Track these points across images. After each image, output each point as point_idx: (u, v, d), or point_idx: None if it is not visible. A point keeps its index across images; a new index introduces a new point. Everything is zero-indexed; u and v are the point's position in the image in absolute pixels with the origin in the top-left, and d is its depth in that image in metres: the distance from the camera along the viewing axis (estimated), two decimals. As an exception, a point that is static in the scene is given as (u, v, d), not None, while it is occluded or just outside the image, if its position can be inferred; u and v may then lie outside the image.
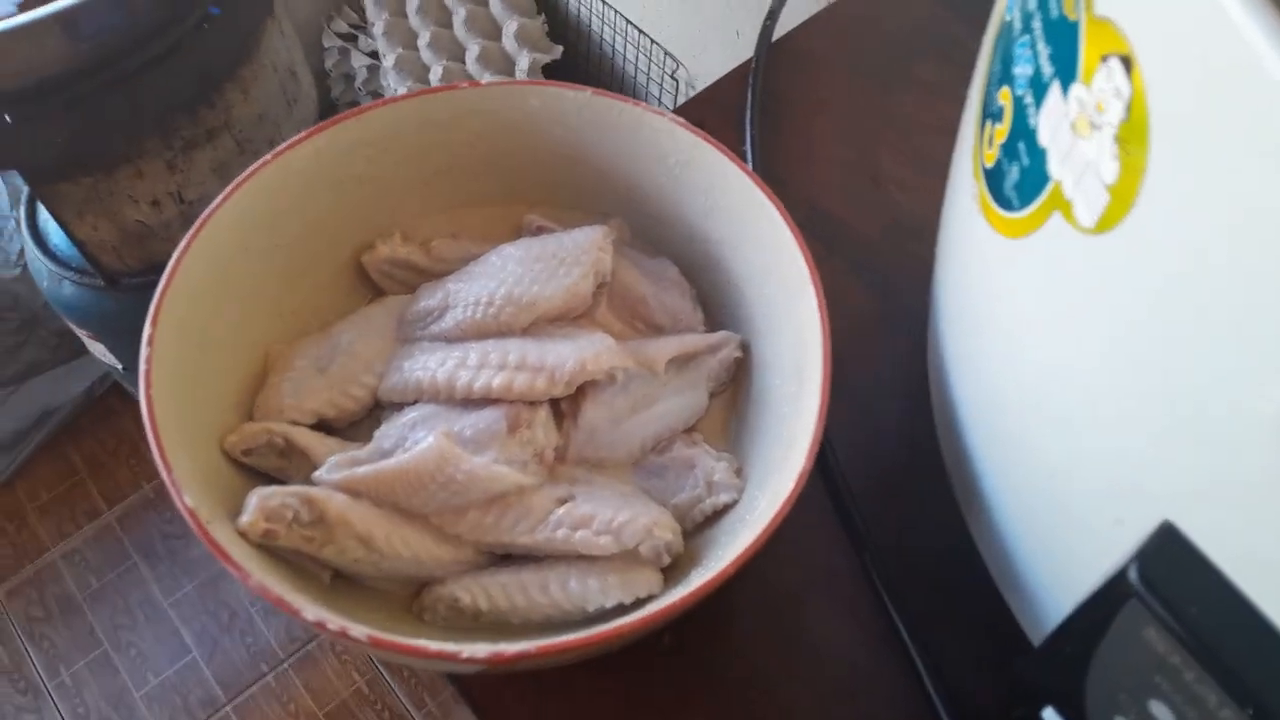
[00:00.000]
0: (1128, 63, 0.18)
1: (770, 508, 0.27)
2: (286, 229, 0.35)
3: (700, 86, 1.06)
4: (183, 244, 0.32)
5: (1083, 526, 0.23)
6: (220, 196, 0.32)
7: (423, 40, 1.19)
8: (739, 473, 0.32)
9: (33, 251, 0.80)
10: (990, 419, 0.28)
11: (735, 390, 0.35)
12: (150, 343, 0.29)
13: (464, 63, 1.18)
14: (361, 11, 1.29)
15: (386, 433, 0.32)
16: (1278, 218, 0.15)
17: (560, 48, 1.15)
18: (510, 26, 1.15)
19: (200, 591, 1.13)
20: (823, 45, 0.50)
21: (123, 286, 0.74)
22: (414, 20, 1.22)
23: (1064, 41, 0.20)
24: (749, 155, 0.45)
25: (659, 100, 1.12)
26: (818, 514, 0.36)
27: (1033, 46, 0.22)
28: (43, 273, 0.80)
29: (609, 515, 0.30)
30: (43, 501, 1.21)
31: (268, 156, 0.33)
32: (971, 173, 0.26)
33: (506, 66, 1.15)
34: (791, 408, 0.31)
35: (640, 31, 1.08)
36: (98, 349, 0.86)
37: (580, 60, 1.18)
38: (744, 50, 0.96)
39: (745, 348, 0.35)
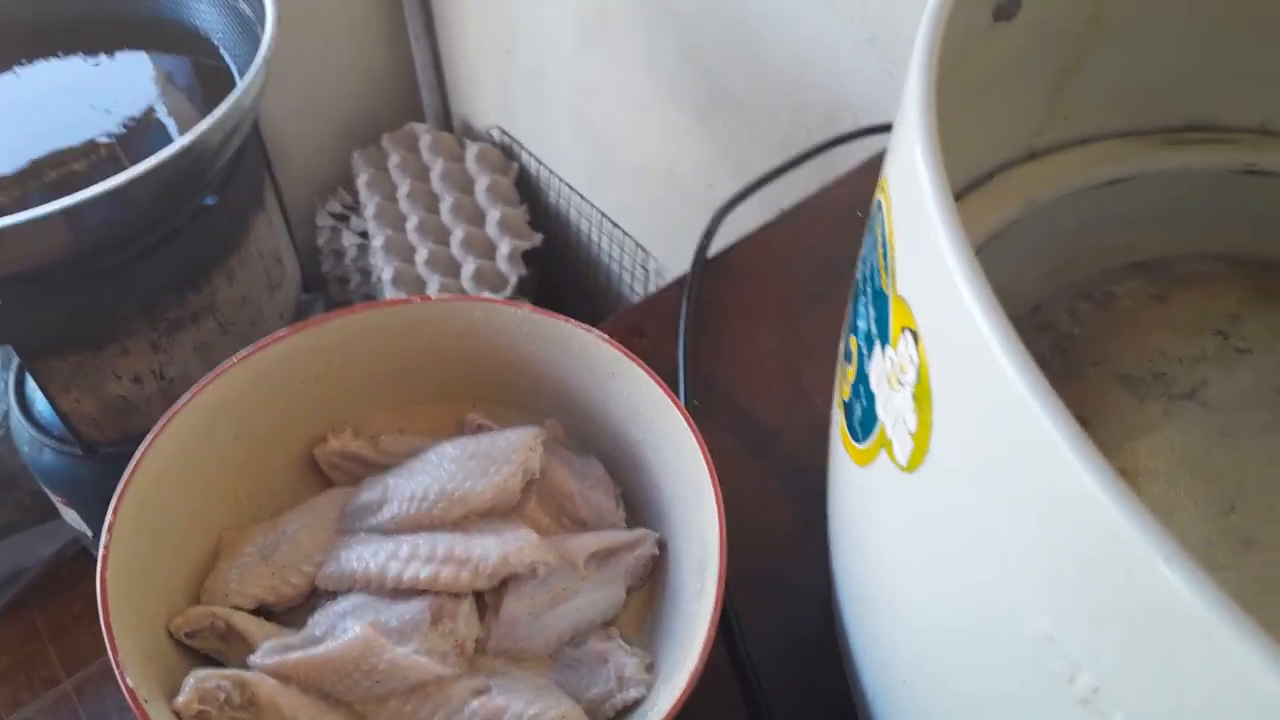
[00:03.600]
0: (915, 336, 0.22)
1: (666, 703, 0.30)
2: (250, 421, 0.38)
3: (669, 275, 1.13)
4: (149, 436, 0.35)
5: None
6: (190, 392, 0.36)
7: (411, 224, 1.27)
8: (650, 668, 0.35)
9: (16, 416, 0.83)
10: (864, 627, 0.31)
11: (652, 586, 0.38)
12: (110, 529, 0.32)
13: (449, 246, 1.25)
14: (355, 194, 1.37)
15: (319, 620, 0.34)
16: (1025, 475, 0.19)
17: (540, 235, 1.23)
18: (494, 215, 1.23)
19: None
20: (756, 261, 0.55)
21: (99, 455, 0.77)
22: (403, 204, 1.30)
23: (881, 308, 0.24)
24: (682, 359, 0.49)
25: (630, 286, 1.19)
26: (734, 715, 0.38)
27: (867, 306, 0.26)
28: (24, 437, 0.83)
29: (520, 708, 0.32)
30: (2, 666, 1.19)
31: (234, 357, 0.37)
32: (836, 403, 0.30)
33: (488, 251, 1.23)
34: (696, 606, 0.33)
35: (614, 224, 1.16)
36: (70, 515, 0.88)
37: (559, 247, 1.25)
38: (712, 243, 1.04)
39: (662, 545, 0.38)
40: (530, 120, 1.24)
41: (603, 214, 1.17)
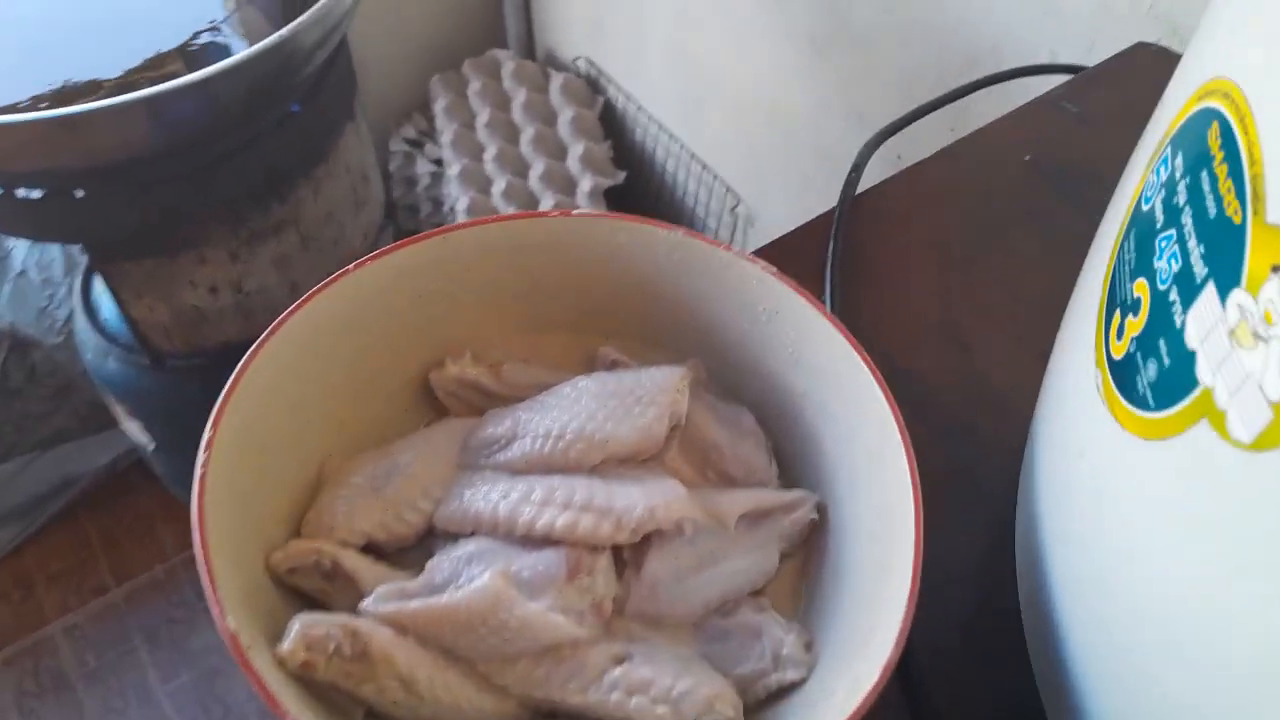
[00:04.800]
0: (1309, 277, 0.17)
1: (850, 698, 0.25)
2: (357, 340, 0.34)
3: (758, 224, 1.07)
4: (253, 348, 0.31)
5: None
6: (296, 303, 0.32)
7: (489, 154, 1.22)
8: (809, 647, 0.30)
9: (82, 322, 0.80)
10: (1094, 622, 0.26)
11: (807, 555, 0.33)
12: (209, 446, 0.28)
13: (527, 180, 1.20)
14: (431, 120, 1.32)
15: (439, 565, 0.30)
16: None
17: (624, 173, 1.17)
18: (576, 149, 1.18)
19: (197, 683, 1.09)
20: (905, 204, 0.50)
21: (168, 367, 0.74)
22: (481, 134, 1.25)
23: (1224, 243, 0.19)
24: (829, 307, 0.44)
25: (715, 233, 1.13)
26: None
27: (1181, 242, 0.21)
28: (89, 345, 0.80)
29: (668, 682, 0.28)
30: (52, 571, 1.19)
31: (350, 266, 0.33)
32: (1093, 360, 0.25)
33: (568, 187, 1.18)
34: (873, 587, 0.29)
35: (703, 166, 1.10)
36: (132, 426, 0.85)
37: (642, 187, 1.20)
38: (806, 194, 0.98)
39: (821, 510, 0.33)
40: (621, 51, 1.18)
41: (692, 154, 1.11)
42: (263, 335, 0.31)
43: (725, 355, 0.36)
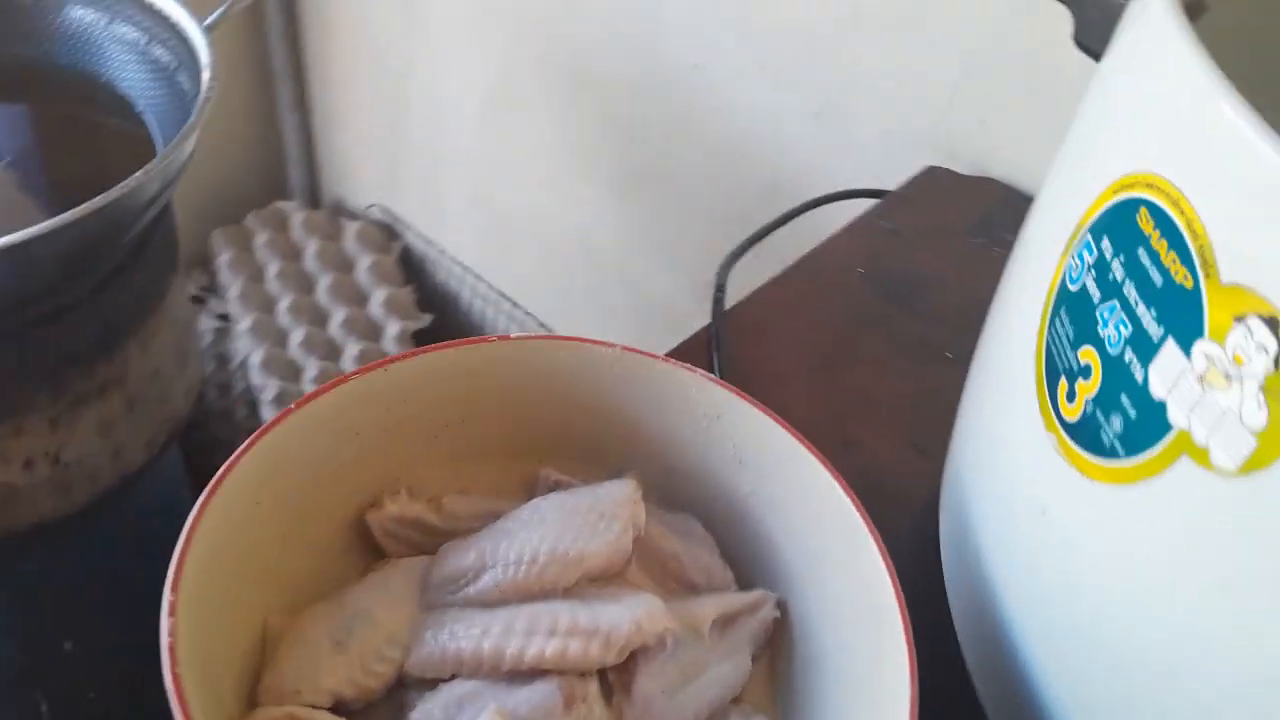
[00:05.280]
0: (1273, 321, 0.20)
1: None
2: (291, 485, 0.32)
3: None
4: (200, 500, 0.28)
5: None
6: (241, 448, 0.30)
7: (282, 305, 1.18)
8: (806, 744, 0.31)
9: None
10: (1079, 675, 0.28)
11: (774, 653, 0.34)
12: (173, 612, 0.25)
13: (326, 329, 1.17)
14: (214, 275, 1.26)
15: (430, 714, 0.28)
16: None
17: (430, 316, 1.16)
18: (378, 295, 1.16)
19: None
20: (766, 318, 0.53)
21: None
22: (272, 285, 1.21)
23: (1178, 306, 0.23)
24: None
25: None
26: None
27: (1128, 310, 0.24)
28: None
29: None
30: None
31: (292, 406, 0.31)
32: (1041, 425, 0.28)
33: (373, 333, 1.15)
34: (868, 669, 0.30)
35: (513, 303, 1.12)
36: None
37: (450, 327, 1.20)
38: (613, 324, 1.01)
39: (782, 606, 0.34)
40: (418, 198, 1.19)
41: (500, 293, 1.13)
42: (208, 488, 0.29)
43: (667, 464, 0.37)
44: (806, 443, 0.33)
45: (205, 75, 0.57)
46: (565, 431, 0.37)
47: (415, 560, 0.33)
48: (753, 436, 0.34)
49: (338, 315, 1.16)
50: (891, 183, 0.65)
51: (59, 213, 0.47)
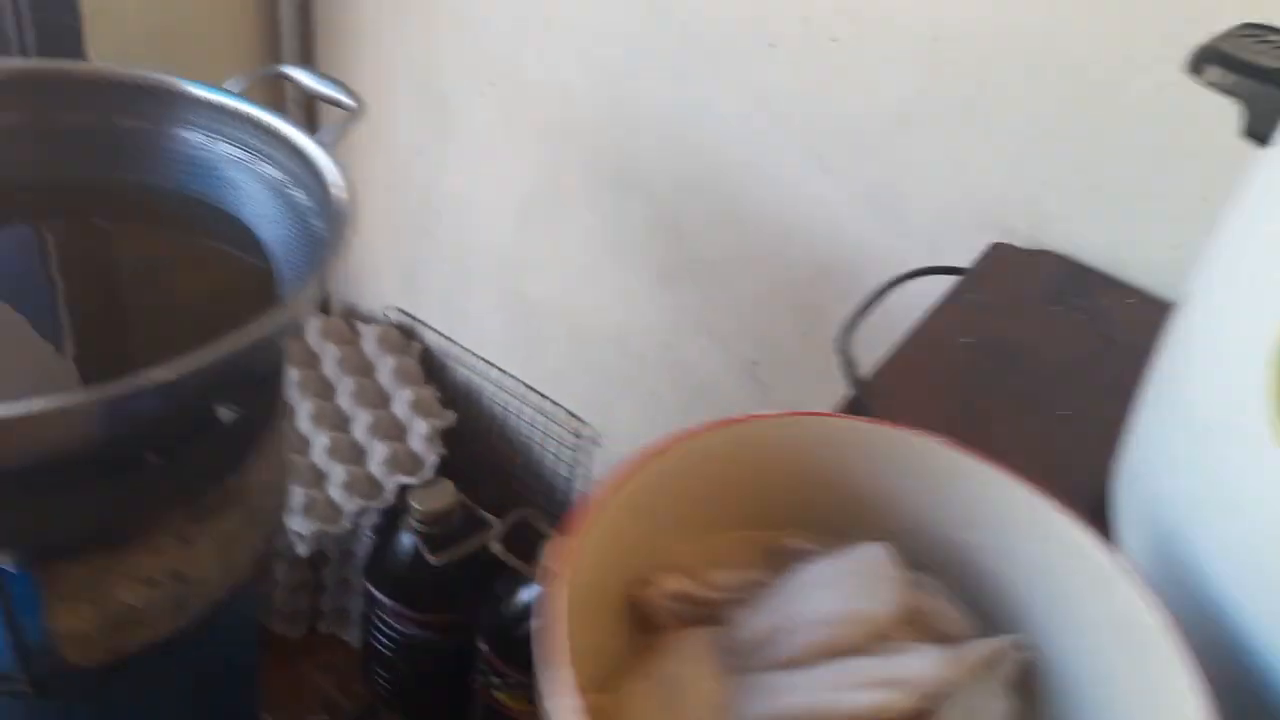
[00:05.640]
0: None
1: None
2: (593, 560, 0.34)
3: (605, 443, 1.11)
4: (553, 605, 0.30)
5: None
6: (573, 534, 0.32)
7: (303, 412, 1.17)
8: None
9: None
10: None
11: (1027, 693, 0.37)
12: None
13: (349, 432, 1.17)
14: (225, 387, 1.25)
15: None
16: None
17: (454, 414, 1.18)
18: (403, 396, 1.17)
19: None
20: (898, 386, 0.57)
21: (50, 693, 0.63)
22: (292, 393, 1.20)
23: None
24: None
25: (556, 456, 1.16)
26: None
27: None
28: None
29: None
30: None
31: (603, 495, 0.33)
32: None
33: (399, 433, 1.16)
34: (1131, 698, 0.32)
35: (541, 395, 1.14)
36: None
37: (474, 424, 1.21)
38: (657, 409, 1.04)
39: (1029, 648, 0.37)
40: (438, 299, 1.21)
41: (528, 386, 1.15)
42: (555, 589, 0.30)
43: (896, 526, 0.39)
44: (1043, 493, 0.36)
45: (342, 223, 0.59)
46: (800, 501, 0.39)
47: (701, 631, 0.35)
48: (986, 495, 0.37)
49: (362, 419, 1.16)
50: (944, 259, 0.70)
51: (205, 339, 0.48)
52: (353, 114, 0.66)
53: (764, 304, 0.90)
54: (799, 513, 0.40)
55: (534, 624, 0.29)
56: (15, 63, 0.69)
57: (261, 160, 0.64)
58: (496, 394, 1.18)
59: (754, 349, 0.93)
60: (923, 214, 0.76)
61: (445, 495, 1.07)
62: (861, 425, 0.38)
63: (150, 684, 0.67)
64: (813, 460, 0.39)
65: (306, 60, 1.12)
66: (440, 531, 1.07)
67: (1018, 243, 0.71)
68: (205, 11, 1.05)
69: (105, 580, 0.55)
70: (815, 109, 0.78)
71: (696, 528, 0.39)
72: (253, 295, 0.61)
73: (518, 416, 1.17)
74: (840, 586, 0.35)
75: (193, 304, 0.64)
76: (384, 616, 1.10)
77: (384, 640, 1.12)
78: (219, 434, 0.57)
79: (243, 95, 0.65)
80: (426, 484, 1.11)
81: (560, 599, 0.30)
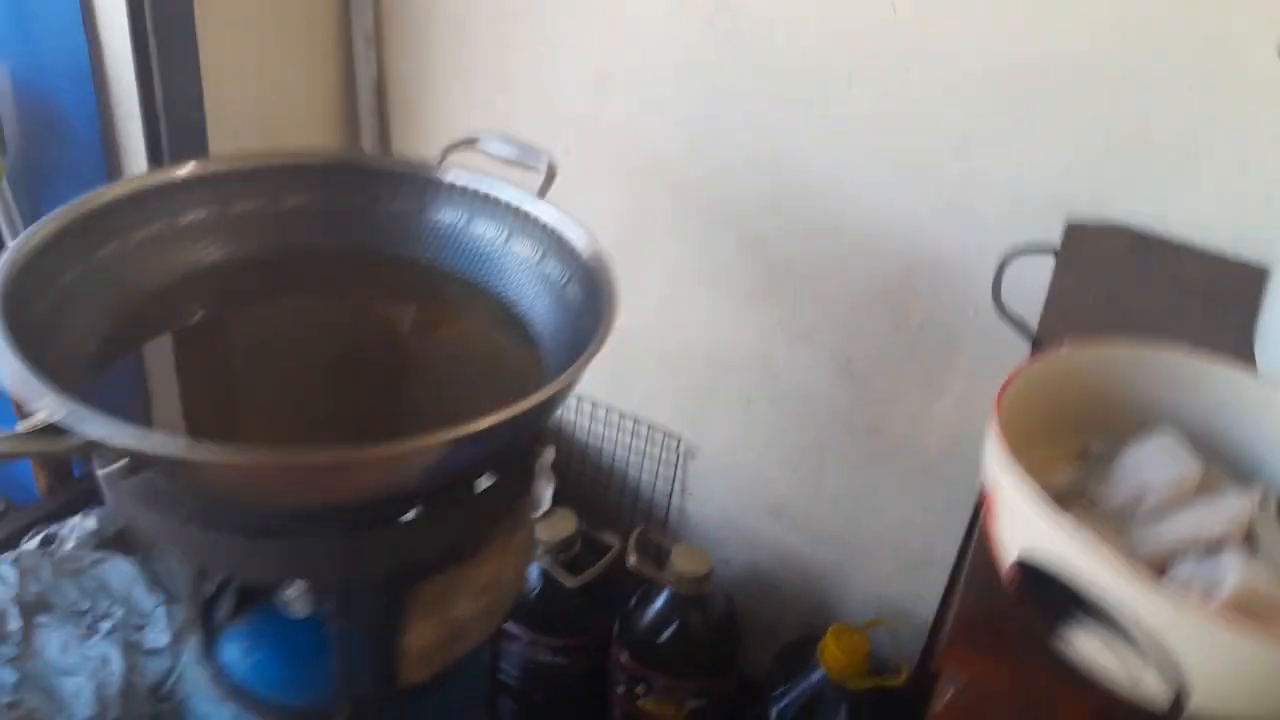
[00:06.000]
0: None
1: None
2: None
3: (700, 455, 1.23)
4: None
5: None
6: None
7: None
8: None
9: (202, 680, 0.72)
10: None
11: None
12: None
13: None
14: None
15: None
16: None
17: (552, 447, 1.27)
18: (503, 438, 1.26)
19: None
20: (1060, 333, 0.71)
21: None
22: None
23: None
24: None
25: (656, 473, 1.26)
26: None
27: None
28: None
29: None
30: None
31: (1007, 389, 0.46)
32: None
33: (506, 473, 1.25)
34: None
35: (635, 420, 1.25)
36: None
37: (569, 449, 1.30)
38: (751, 414, 1.16)
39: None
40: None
41: (620, 413, 1.25)
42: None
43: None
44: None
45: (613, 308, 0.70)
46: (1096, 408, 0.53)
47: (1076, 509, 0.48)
48: (1225, 385, 0.52)
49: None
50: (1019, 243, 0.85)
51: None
52: (549, 174, 0.78)
53: (857, 305, 1.03)
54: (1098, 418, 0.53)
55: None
56: (303, 153, 0.80)
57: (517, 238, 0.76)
58: (590, 423, 1.29)
59: (847, 346, 1.07)
60: (993, 210, 0.91)
61: (567, 523, 1.18)
62: (1121, 350, 0.52)
63: (447, 698, 0.76)
64: (1100, 381, 0.52)
65: (384, 139, 1.22)
66: (569, 558, 1.18)
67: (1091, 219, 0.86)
68: (300, 101, 1.15)
69: (451, 593, 0.65)
70: (897, 131, 0.93)
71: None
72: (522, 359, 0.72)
73: (613, 439, 1.28)
74: (1163, 461, 0.48)
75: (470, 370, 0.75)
76: (513, 649, 1.18)
77: (512, 673, 1.21)
78: (526, 458, 0.67)
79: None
80: (546, 514, 1.20)
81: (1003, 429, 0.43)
